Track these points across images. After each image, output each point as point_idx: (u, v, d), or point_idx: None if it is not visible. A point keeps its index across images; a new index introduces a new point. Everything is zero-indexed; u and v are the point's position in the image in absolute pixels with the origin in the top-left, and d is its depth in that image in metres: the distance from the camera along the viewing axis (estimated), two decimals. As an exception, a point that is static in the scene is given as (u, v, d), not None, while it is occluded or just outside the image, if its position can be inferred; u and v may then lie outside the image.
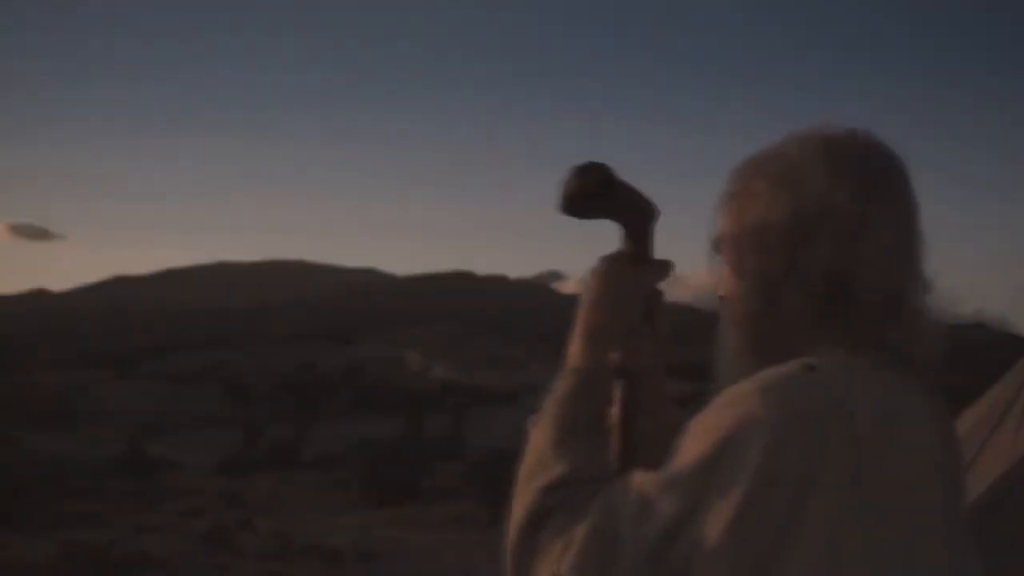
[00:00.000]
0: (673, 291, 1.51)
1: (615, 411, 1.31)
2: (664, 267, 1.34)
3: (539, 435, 1.25)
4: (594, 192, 1.26)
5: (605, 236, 1.33)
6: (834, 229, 1.19)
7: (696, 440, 1.12)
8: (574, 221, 1.29)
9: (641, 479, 1.14)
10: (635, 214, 1.32)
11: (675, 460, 1.13)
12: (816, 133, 1.26)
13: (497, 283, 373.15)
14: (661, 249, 1.34)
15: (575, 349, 1.31)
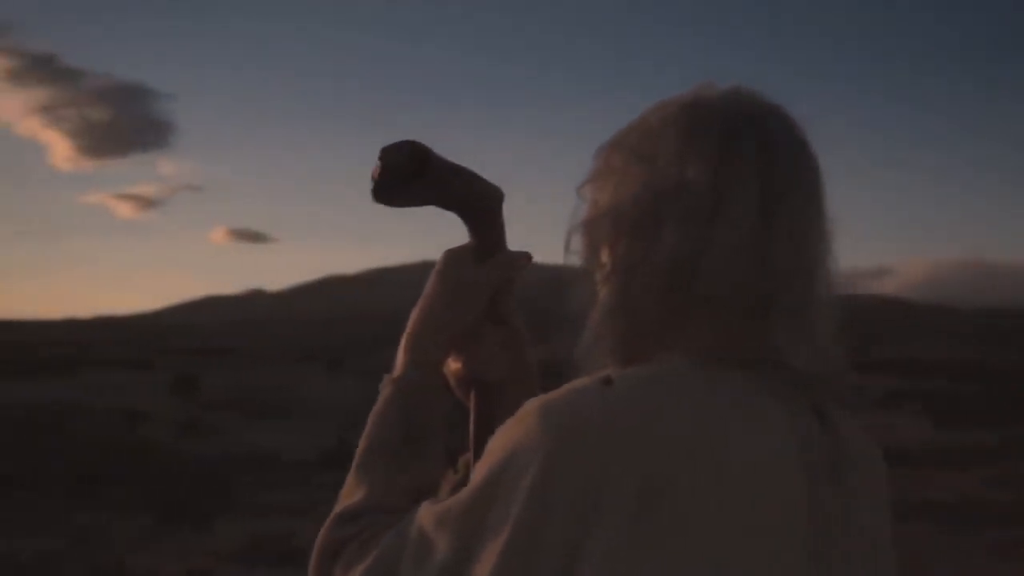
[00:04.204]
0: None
1: (471, 428, 1.17)
2: (514, 259, 1.16)
3: (356, 455, 1.12)
4: (405, 173, 1.09)
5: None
6: (685, 210, 0.99)
7: (480, 465, 0.97)
8: (390, 209, 1.12)
9: (426, 511, 0.98)
10: (468, 199, 1.15)
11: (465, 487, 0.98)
12: (682, 96, 1.06)
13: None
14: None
15: (398, 356, 1.15)
